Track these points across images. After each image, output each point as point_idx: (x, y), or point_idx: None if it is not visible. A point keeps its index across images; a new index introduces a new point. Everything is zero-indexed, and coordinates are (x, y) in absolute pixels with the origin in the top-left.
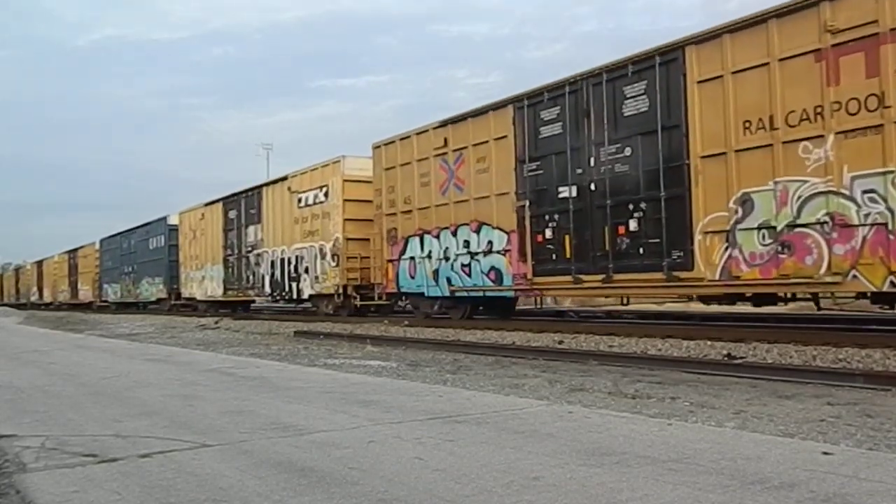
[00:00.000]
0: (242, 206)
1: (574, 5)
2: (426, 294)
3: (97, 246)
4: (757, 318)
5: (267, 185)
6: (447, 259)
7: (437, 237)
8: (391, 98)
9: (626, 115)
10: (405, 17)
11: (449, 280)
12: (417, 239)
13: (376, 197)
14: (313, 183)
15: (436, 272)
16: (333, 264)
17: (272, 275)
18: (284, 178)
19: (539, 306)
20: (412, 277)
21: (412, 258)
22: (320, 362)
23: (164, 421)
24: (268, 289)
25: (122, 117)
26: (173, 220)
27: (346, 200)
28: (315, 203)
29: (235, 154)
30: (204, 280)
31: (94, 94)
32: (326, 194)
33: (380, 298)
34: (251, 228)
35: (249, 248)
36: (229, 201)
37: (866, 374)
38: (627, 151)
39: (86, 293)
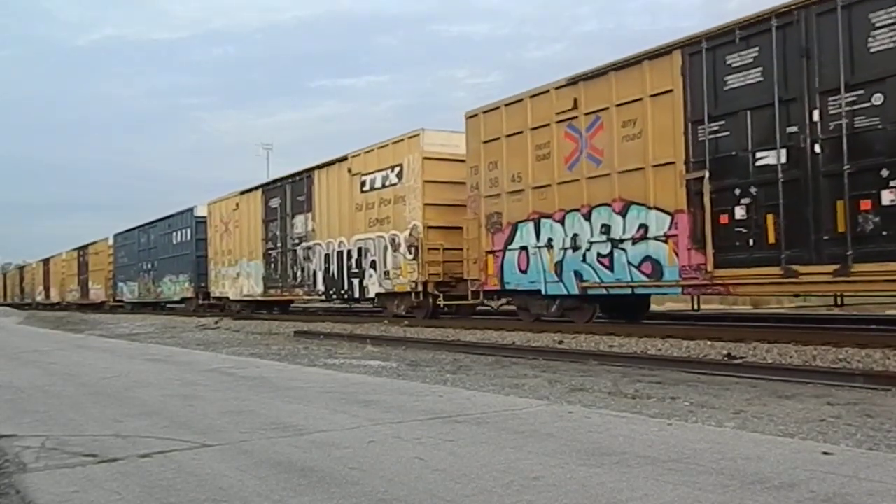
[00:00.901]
0: (287, 192)
1: (574, 5)
2: (544, 292)
3: (110, 241)
4: (757, 318)
5: (319, 167)
6: (576, 248)
7: (561, 222)
8: (391, 98)
9: (873, 50)
10: (405, 17)
11: (579, 274)
12: (531, 225)
13: (471, 176)
14: (382, 162)
15: (559, 265)
16: (410, 257)
17: (326, 270)
18: (343, 159)
19: (696, 308)
20: (523, 271)
21: (523, 248)
22: (320, 362)
23: (164, 421)
24: (320, 286)
25: (122, 117)
26: (201, 212)
27: (426, 182)
28: (385, 186)
29: (235, 154)
30: (239, 277)
31: (94, 94)
32: (400, 175)
33: (474, 297)
34: (299, 218)
35: (296, 241)
36: (270, 188)
37: (866, 374)
38: (877, 99)
39: (97, 292)
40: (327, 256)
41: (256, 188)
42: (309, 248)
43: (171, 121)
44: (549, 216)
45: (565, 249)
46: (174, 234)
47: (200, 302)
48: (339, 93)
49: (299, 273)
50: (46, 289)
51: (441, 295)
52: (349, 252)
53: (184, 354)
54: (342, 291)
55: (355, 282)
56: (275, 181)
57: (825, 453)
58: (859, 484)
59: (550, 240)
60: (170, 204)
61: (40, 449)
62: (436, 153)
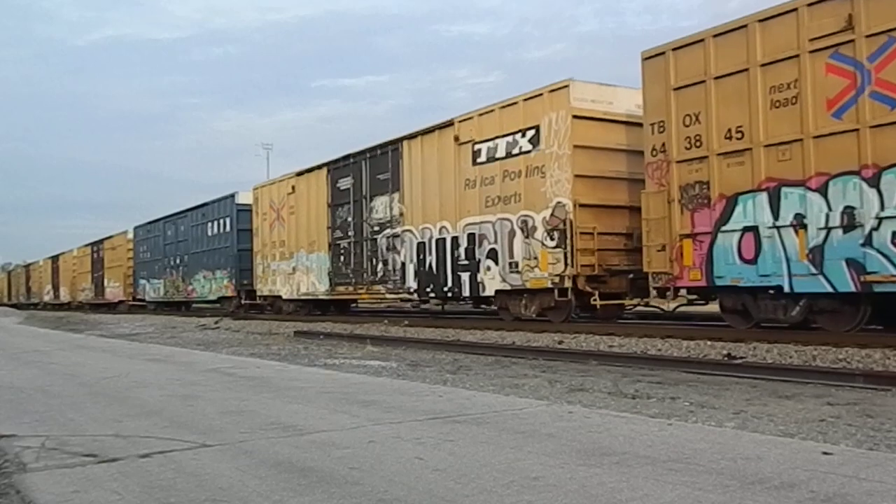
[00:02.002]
0: (364, 170)
1: (574, 5)
2: (789, 288)
3: (130, 235)
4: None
5: (410, 137)
6: (850, 227)
7: (822, 191)
8: (391, 98)
9: None
10: (405, 17)
11: (856, 264)
12: (763, 197)
13: (652, 136)
14: (507, 125)
15: (817, 251)
16: (551, 244)
17: (420, 263)
18: (446, 125)
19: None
20: (748, 261)
21: (749, 229)
22: (320, 362)
23: (164, 421)
24: (411, 283)
25: (122, 117)
26: (244, 199)
27: (576, 147)
28: (511, 155)
29: (235, 154)
30: (295, 272)
31: (94, 94)
32: (535, 140)
33: (662, 294)
34: (380, 200)
35: (377, 228)
36: (339, 166)
37: (866, 374)
38: None
39: (114, 291)
40: (422, 246)
41: (320, 167)
42: (395, 236)
43: (171, 121)
44: (797, 184)
45: (829, 229)
46: (209, 224)
47: (243, 301)
48: (339, 93)
49: (380, 267)
50: (55, 288)
51: (596, 292)
52: (455, 240)
53: (184, 354)
54: (444, 289)
55: (464, 277)
56: (345, 157)
57: (825, 453)
58: (859, 484)
59: (800, 216)
60: (170, 204)
61: (40, 449)
62: (588, 111)
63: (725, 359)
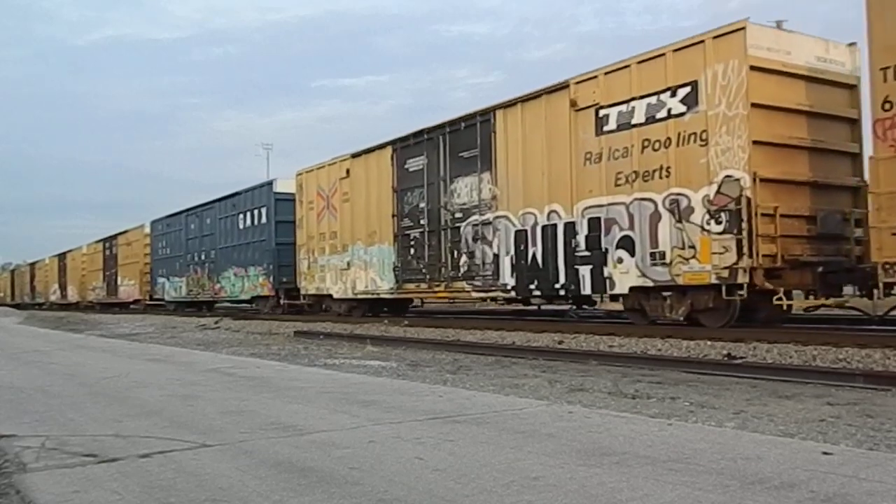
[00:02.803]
0: (442, 147)
1: (574, 5)
2: None
3: (147, 230)
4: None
5: (507, 105)
6: None
7: None
8: (391, 98)
9: None
10: (405, 17)
11: None
12: None
13: (881, 85)
14: (648, 83)
15: None
16: (717, 229)
17: (520, 255)
18: (560, 87)
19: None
20: None
21: None
22: (320, 362)
23: (164, 421)
24: (507, 278)
25: (122, 117)
26: (284, 187)
27: (754, 107)
28: (653, 120)
29: (235, 154)
30: (350, 268)
31: (94, 94)
32: (693, 99)
33: (887, 290)
34: (464, 182)
35: (459, 215)
36: (409, 144)
37: (866, 374)
38: None
39: (129, 289)
40: (521, 235)
41: (382, 146)
42: (485, 223)
43: (171, 121)
44: None
45: None
46: (241, 216)
47: (282, 301)
48: (340, 93)
49: (465, 260)
50: (62, 287)
51: (780, 290)
52: (570, 227)
53: (184, 354)
54: (555, 286)
55: (583, 271)
56: (417, 133)
57: (825, 453)
58: (859, 484)
59: None
60: (170, 204)
61: (40, 449)
62: (767, 61)
63: (725, 359)
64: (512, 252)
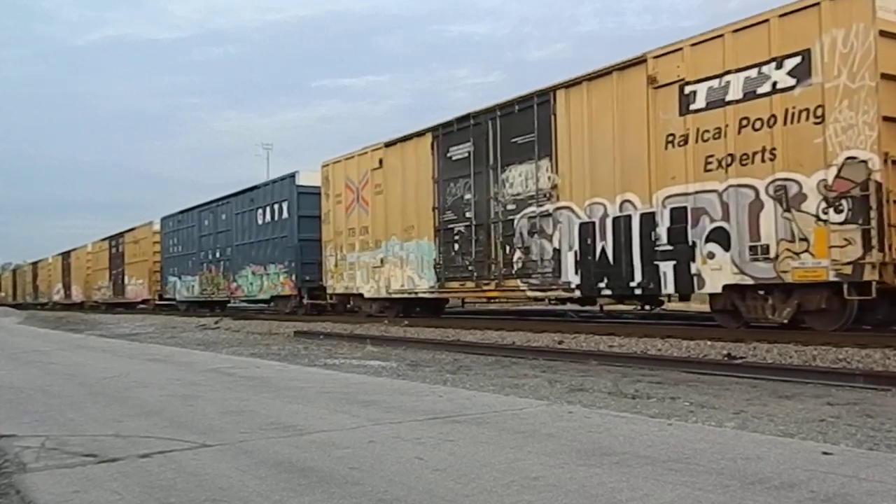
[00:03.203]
0: (492, 133)
1: (574, 5)
2: None
3: (156, 227)
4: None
5: (569, 84)
6: None
7: None
8: (391, 98)
9: None
10: (405, 17)
11: None
12: None
13: None
14: (746, 55)
15: None
16: (838, 219)
17: (588, 250)
18: (636, 62)
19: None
20: None
21: None
22: (320, 362)
23: (164, 421)
24: (571, 276)
25: (122, 117)
26: (307, 179)
27: (885, 78)
28: (753, 95)
29: (235, 154)
30: (384, 266)
31: (94, 94)
32: (801, 71)
33: None
34: (518, 171)
35: (512, 207)
36: (452, 131)
37: (866, 374)
38: None
39: (137, 289)
40: (587, 228)
41: (421, 133)
42: (544, 215)
43: (171, 121)
44: None
45: None
46: (260, 211)
47: (305, 300)
48: (340, 93)
49: (518, 255)
50: (66, 286)
51: None
52: (648, 218)
53: (184, 354)
54: (630, 284)
55: (664, 267)
56: (462, 118)
57: (825, 453)
58: (859, 484)
59: None
60: (170, 204)
61: (40, 449)
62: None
63: (725, 359)
64: (576, 247)
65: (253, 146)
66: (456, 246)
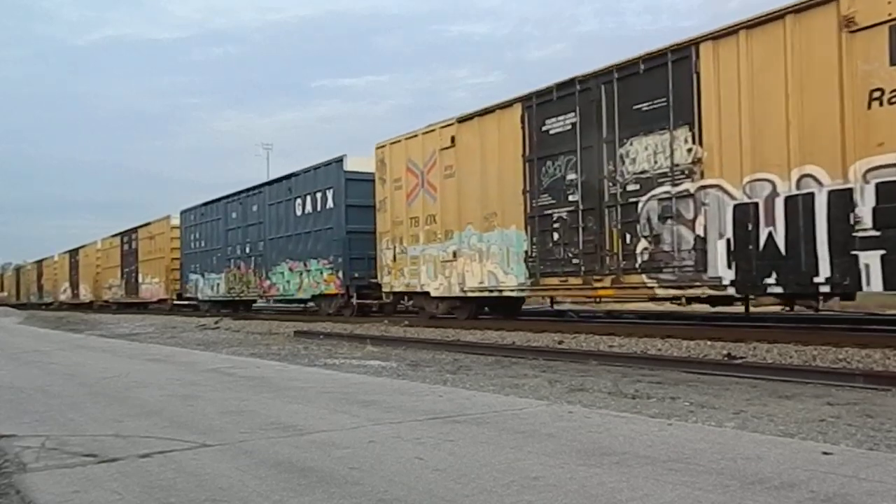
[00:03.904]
0: (605, 101)
1: (574, 5)
2: None
3: (175, 220)
4: (757, 318)
5: (718, 35)
6: None
7: None
8: (391, 98)
9: None
10: (405, 17)
11: None
12: None
13: None
14: None
15: None
16: None
17: (748, 238)
18: (820, 1)
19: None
20: None
21: None
22: (320, 362)
23: (164, 421)
24: (721, 270)
25: (122, 117)
26: (356, 165)
27: None
28: None
29: (235, 154)
30: (457, 259)
31: (94, 94)
32: None
33: None
34: (643, 144)
35: (635, 187)
36: (548, 100)
37: (866, 374)
38: None
39: (153, 288)
40: (746, 210)
41: (507, 105)
42: (681, 196)
43: (171, 121)
44: None
45: None
46: (299, 201)
47: (354, 300)
48: (339, 93)
49: (644, 246)
50: (74, 285)
51: None
52: (841, 196)
53: (184, 354)
54: (813, 279)
55: (867, 258)
56: (565, 84)
57: (825, 453)
58: (859, 484)
59: None
60: (170, 204)
61: (40, 449)
62: None
63: (725, 359)
64: (728, 234)
65: (253, 146)
66: (555, 235)
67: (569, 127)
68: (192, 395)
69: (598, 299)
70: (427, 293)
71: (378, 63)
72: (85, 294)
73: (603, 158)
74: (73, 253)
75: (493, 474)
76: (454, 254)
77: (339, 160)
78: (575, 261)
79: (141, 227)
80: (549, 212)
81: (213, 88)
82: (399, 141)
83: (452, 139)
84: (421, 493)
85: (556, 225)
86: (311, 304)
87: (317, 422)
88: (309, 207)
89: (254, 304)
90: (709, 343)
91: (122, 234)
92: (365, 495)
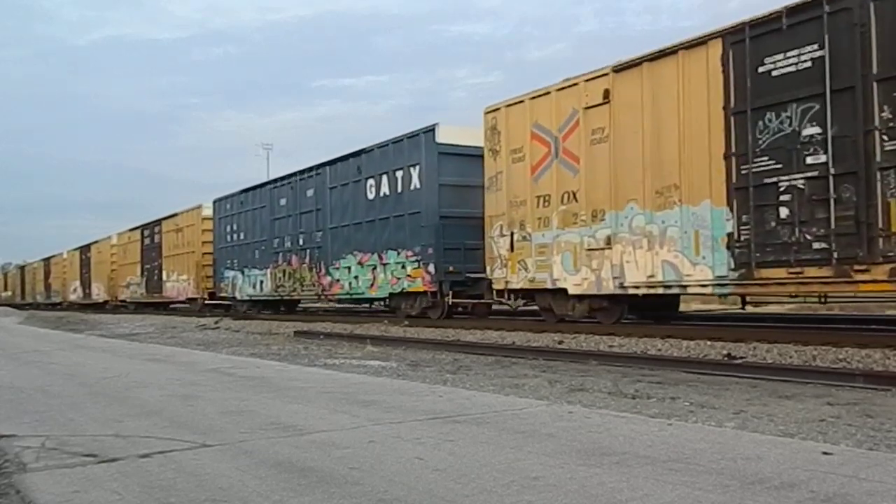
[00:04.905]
0: (874, 21)
1: (574, 5)
2: None
3: (206, 211)
4: (757, 318)
5: None
6: None
7: None
8: (391, 98)
9: None
10: (405, 17)
11: None
12: None
13: None
14: None
15: None
16: None
17: None
18: None
19: None
20: None
21: None
22: (320, 362)
23: (164, 421)
24: None
25: (122, 117)
26: (450, 136)
27: None
28: None
29: (235, 154)
30: (611, 246)
31: (94, 94)
32: None
33: None
34: None
35: None
36: (781, 28)
37: (866, 374)
38: None
39: (179, 286)
40: None
41: (697, 42)
42: None
43: (171, 121)
44: None
45: None
46: (371, 182)
47: (449, 300)
48: (339, 93)
49: None
50: (85, 284)
51: None
52: None
53: (184, 354)
54: None
55: None
56: (799, 6)
57: (825, 453)
58: (859, 484)
59: None
60: (170, 204)
61: (40, 449)
62: None
63: (725, 359)
64: None
65: (253, 146)
66: (782, 212)
67: (807, 64)
68: (192, 395)
69: (853, 294)
70: (562, 290)
71: (378, 63)
72: (98, 293)
73: (872, 103)
74: (85, 249)
75: (493, 474)
76: (608, 240)
77: (430, 130)
78: (819, 245)
79: (165, 218)
80: (773, 180)
81: (213, 88)
82: (520, 102)
83: (605, 94)
84: (421, 493)
85: (784, 197)
86: (388, 302)
87: (317, 422)
88: (385, 189)
89: (299, 304)
90: (709, 343)
91: (142, 227)
92: (365, 495)
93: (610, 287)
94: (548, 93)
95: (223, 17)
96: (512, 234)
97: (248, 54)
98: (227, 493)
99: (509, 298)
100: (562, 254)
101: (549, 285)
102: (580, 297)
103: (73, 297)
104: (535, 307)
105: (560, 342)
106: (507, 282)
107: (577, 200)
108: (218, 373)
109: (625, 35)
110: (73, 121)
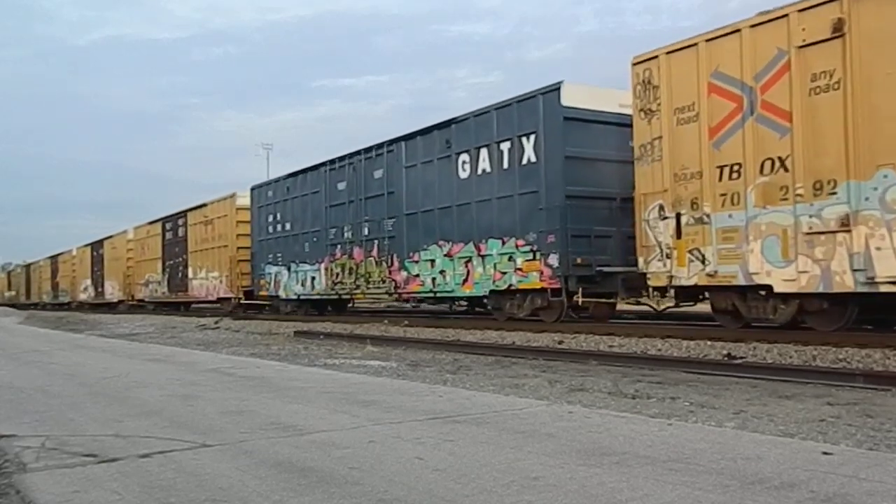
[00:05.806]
0: None
1: (574, 5)
2: None
3: (241, 200)
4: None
5: None
6: None
7: None
8: (391, 98)
9: None
10: (405, 17)
11: None
12: None
13: None
14: None
15: None
16: None
17: None
18: None
19: None
20: None
21: None
22: (320, 362)
23: (164, 421)
24: None
25: (122, 117)
26: (575, 98)
27: None
28: None
29: (235, 154)
30: (851, 228)
31: (94, 94)
32: None
33: None
34: None
35: None
36: None
37: (866, 374)
38: None
39: (209, 284)
40: None
41: None
42: None
43: (171, 121)
44: None
45: None
46: (465, 157)
47: (579, 299)
48: (339, 93)
49: None
50: (97, 283)
51: None
52: None
53: (184, 354)
54: None
55: None
56: None
57: (825, 453)
58: (859, 484)
59: None
60: (170, 204)
61: (40, 449)
62: None
63: (725, 359)
64: None
65: (253, 146)
66: None
67: None
68: (192, 395)
69: None
70: (764, 288)
71: (378, 63)
72: (112, 292)
73: None
74: (97, 245)
75: (493, 474)
76: (843, 220)
77: (554, 89)
78: None
79: (192, 209)
80: None
81: (213, 88)
82: (689, 46)
83: (837, 24)
84: (421, 493)
85: None
86: (487, 302)
87: (317, 422)
88: (486, 165)
89: (351, 305)
90: (709, 343)
91: (163, 219)
92: (365, 495)
93: (847, 283)
94: (736, 30)
95: (223, 17)
96: (678, 217)
97: (248, 54)
98: (227, 493)
99: (672, 296)
100: (762, 239)
101: (741, 281)
102: (787, 297)
103: (83, 297)
104: (689, 309)
105: (560, 342)
106: (671, 276)
107: (786, 169)
108: (218, 373)
109: (625, 35)
110: (73, 121)
